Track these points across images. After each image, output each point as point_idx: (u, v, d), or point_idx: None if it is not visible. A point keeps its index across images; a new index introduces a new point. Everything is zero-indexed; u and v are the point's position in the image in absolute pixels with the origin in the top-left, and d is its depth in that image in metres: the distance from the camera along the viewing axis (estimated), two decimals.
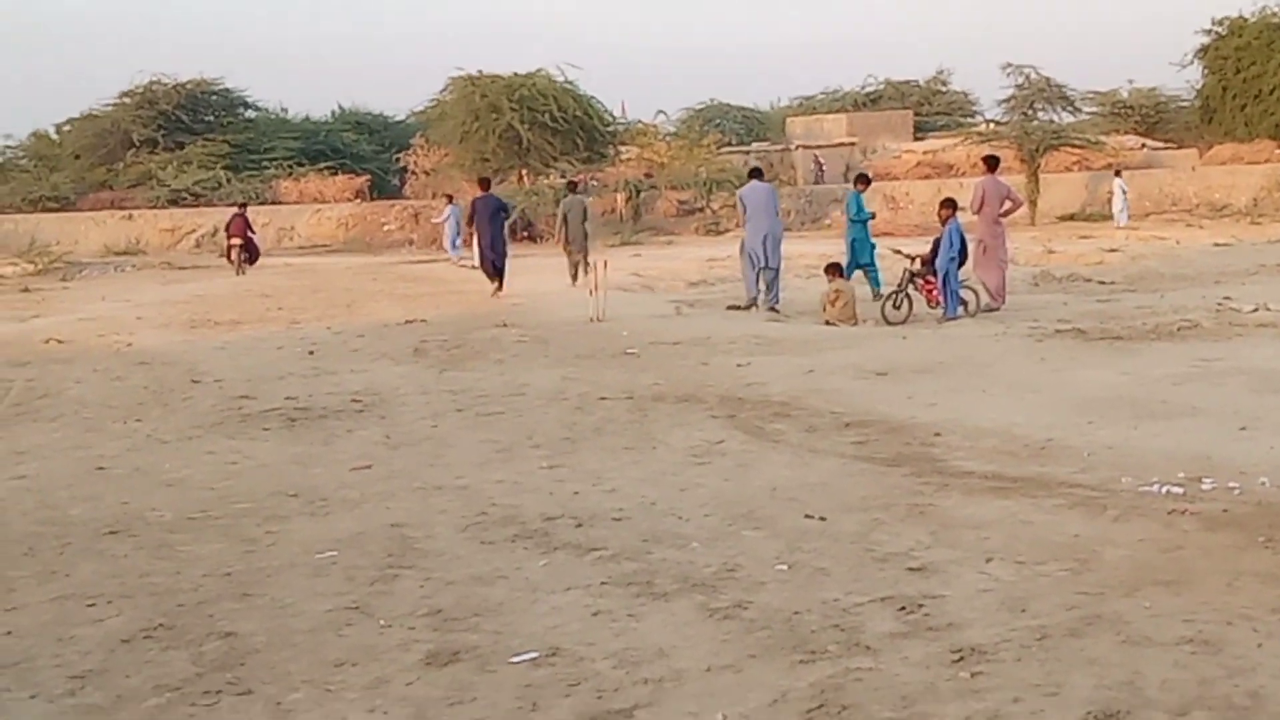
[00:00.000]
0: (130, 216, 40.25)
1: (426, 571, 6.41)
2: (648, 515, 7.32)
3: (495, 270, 21.91)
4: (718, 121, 53.70)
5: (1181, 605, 5.43)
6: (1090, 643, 5.05)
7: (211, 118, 46.42)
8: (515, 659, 5.17)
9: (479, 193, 23.80)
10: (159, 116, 44.75)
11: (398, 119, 51.46)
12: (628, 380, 12.18)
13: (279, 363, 14.37)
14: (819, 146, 43.29)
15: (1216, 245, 26.56)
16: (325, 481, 8.50)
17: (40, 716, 4.83)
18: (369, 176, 44.12)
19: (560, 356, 14.05)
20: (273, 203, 40.37)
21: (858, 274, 18.85)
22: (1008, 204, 17.52)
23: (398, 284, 25.46)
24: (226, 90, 47.66)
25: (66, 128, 47.62)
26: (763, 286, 18.09)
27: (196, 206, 40.93)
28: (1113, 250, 26.02)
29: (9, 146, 48.30)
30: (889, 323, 16.19)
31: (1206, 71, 43.97)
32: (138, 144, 44.19)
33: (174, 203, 41.21)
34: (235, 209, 32.36)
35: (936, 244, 16.48)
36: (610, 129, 42.57)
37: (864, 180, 20.60)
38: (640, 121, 45.79)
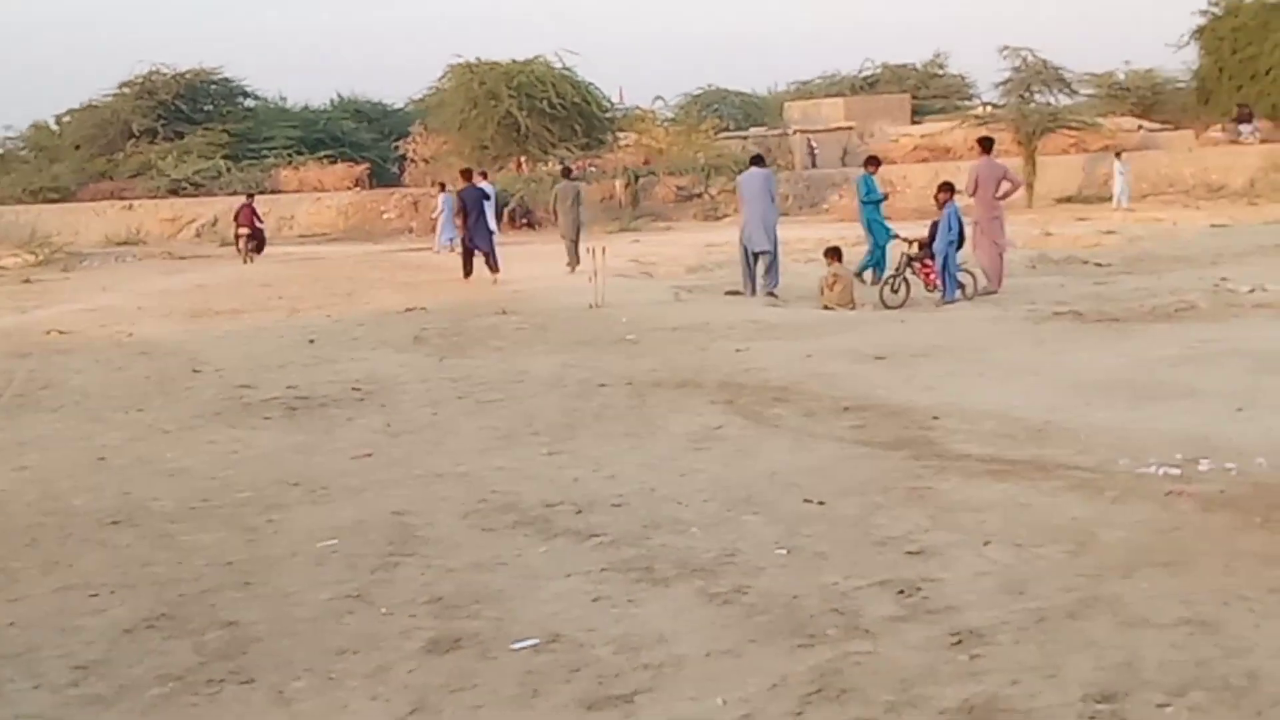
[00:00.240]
0: (130, 207, 40.24)
1: (427, 559, 6.44)
2: (647, 501, 7.35)
3: (489, 257, 22.30)
4: (715, 107, 53.58)
5: (1179, 586, 5.45)
6: (1088, 624, 5.08)
7: (211, 107, 46.39)
8: (516, 645, 5.19)
9: (464, 184, 24.09)
10: (158, 106, 44.73)
11: (397, 107, 51.44)
12: (627, 366, 12.20)
13: (280, 351, 14.39)
14: (816, 131, 43.25)
15: (1213, 226, 26.53)
16: (326, 470, 8.53)
17: (44, 707, 4.86)
18: (368, 165, 44.12)
19: (560, 343, 14.06)
20: (272, 191, 40.32)
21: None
22: (1006, 185, 17.48)
23: (397, 272, 25.47)
24: (225, 79, 47.63)
25: (66, 118, 47.60)
26: (760, 270, 18.08)
27: (197, 196, 40.92)
28: (1110, 232, 26.00)
29: (9, 138, 48.36)
30: (887, 307, 16.20)
31: (1203, 52, 43.84)
32: (137, 134, 44.18)
33: (174, 192, 41.20)
34: (243, 199, 32.42)
35: (934, 227, 16.48)
36: (608, 115, 42.53)
37: (874, 162, 20.46)
38: (638, 108, 45.74)
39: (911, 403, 9.84)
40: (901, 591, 5.57)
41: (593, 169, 40.66)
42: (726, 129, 46.57)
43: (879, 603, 5.46)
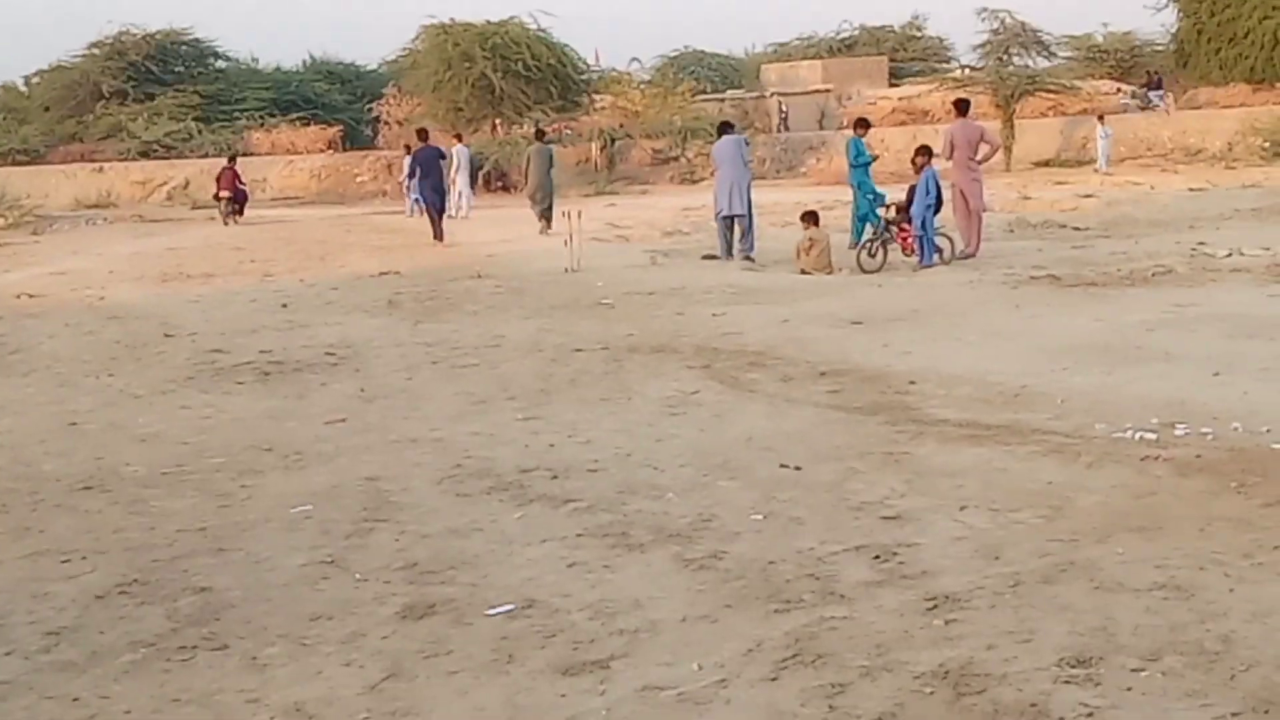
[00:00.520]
0: (101, 169, 39.97)
1: (402, 525, 6.40)
2: (623, 466, 7.33)
3: (436, 220, 22.76)
4: (692, 69, 53.45)
5: (1154, 551, 5.46)
6: (1063, 589, 5.08)
7: (181, 68, 46.05)
8: (491, 611, 5.17)
9: (421, 145, 24.35)
10: (128, 68, 44.38)
11: (370, 68, 51.18)
12: (603, 331, 12.16)
13: (252, 316, 14.31)
14: (794, 94, 43.15)
15: (1191, 190, 26.57)
16: (300, 435, 8.48)
17: (15, 673, 4.82)
18: (341, 127, 43.87)
19: (535, 308, 14.01)
20: (244, 154, 40.07)
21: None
22: (984, 148, 17.44)
23: (371, 235, 25.35)
24: (196, 40, 47.28)
25: (35, 79, 47.24)
26: (738, 234, 18.04)
27: (168, 159, 40.66)
28: (1088, 196, 26.03)
29: None
30: (864, 271, 16.17)
31: (1181, 15, 43.79)
32: (107, 95, 43.83)
33: (145, 155, 40.94)
34: (225, 162, 32.40)
35: (912, 191, 16.45)
36: (584, 77, 42.39)
37: (864, 124, 20.10)
38: (614, 70, 45.59)
39: (888, 367, 9.84)
40: (877, 557, 5.56)
41: (568, 132, 40.50)
42: (703, 91, 46.49)
43: (855, 568, 5.45)
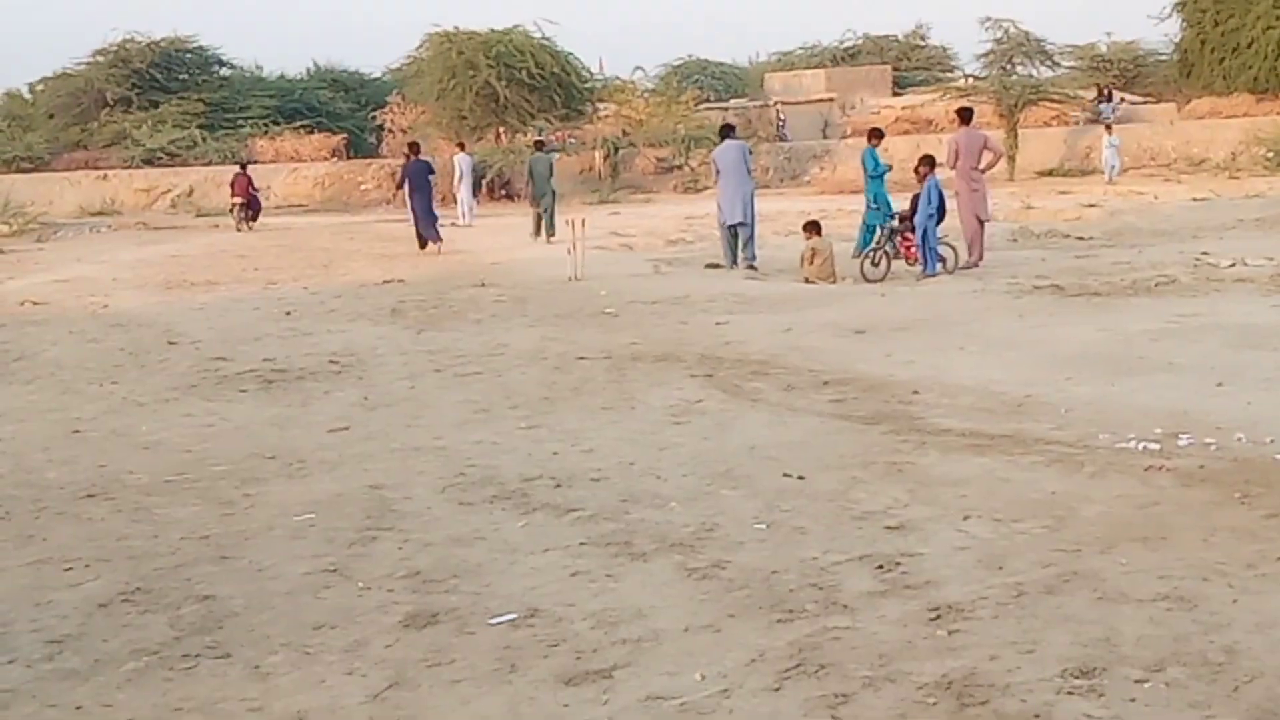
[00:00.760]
0: (105, 177, 39.98)
1: (405, 533, 6.40)
2: (626, 475, 7.32)
3: (422, 233, 22.99)
4: (696, 78, 53.51)
5: (1157, 561, 5.45)
6: (1066, 600, 5.07)
7: (186, 76, 46.07)
8: (494, 620, 5.17)
9: (411, 158, 24.60)
10: (133, 75, 44.40)
11: (374, 76, 51.22)
12: (606, 340, 12.16)
13: (256, 324, 14.31)
14: (798, 103, 43.17)
15: (1194, 200, 26.56)
16: (303, 443, 8.47)
17: (18, 681, 4.82)
18: (345, 135, 43.92)
19: (539, 316, 14.01)
20: (249, 162, 40.11)
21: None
22: (988, 156, 17.43)
23: (375, 244, 25.37)
24: (201, 48, 47.31)
25: (40, 87, 47.25)
26: (740, 244, 18.05)
27: (172, 166, 40.67)
28: (1091, 205, 26.02)
29: None
30: (867, 280, 16.17)
31: (1185, 25, 43.79)
32: (112, 103, 43.85)
33: (149, 162, 40.95)
34: (236, 169, 32.62)
35: (915, 201, 16.44)
36: (588, 86, 42.40)
37: (878, 134, 19.95)
38: (618, 78, 45.63)
39: (891, 377, 9.83)
40: (880, 566, 5.56)
41: (572, 140, 40.53)
42: (707, 100, 46.53)
43: (858, 578, 5.45)
